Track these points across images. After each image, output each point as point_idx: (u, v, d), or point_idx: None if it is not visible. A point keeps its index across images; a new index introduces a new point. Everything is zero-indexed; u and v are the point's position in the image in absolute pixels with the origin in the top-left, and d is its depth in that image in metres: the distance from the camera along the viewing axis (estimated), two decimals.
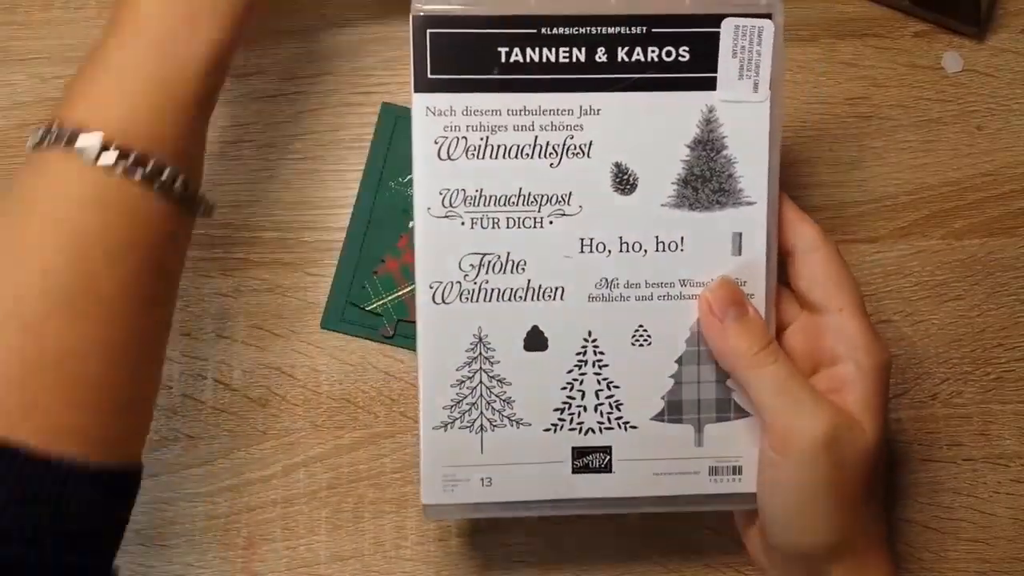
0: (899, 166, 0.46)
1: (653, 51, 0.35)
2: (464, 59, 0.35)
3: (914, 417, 0.44)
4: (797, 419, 0.33)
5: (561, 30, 0.35)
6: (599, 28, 0.35)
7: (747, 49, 0.35)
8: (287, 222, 0.45)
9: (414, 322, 0.43)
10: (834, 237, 0.45)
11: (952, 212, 0.46)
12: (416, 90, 0.35)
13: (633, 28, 0.35)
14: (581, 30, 0.35)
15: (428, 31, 0.34)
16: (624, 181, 0.35)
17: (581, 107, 0.35)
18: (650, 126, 0.35)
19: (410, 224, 0.45)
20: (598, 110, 0.35)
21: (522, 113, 0.35)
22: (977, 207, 0.46)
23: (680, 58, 0.35)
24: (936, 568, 0.43)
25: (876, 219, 0.46)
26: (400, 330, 0.44)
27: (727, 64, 0.35)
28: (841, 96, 0.46)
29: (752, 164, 0.35)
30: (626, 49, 0.35)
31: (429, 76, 0.35)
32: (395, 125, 0.46)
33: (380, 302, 0.44)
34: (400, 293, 0.44)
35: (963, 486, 0.44)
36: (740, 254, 0.36)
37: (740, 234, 0.36)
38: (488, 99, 0.35)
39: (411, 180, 0.45)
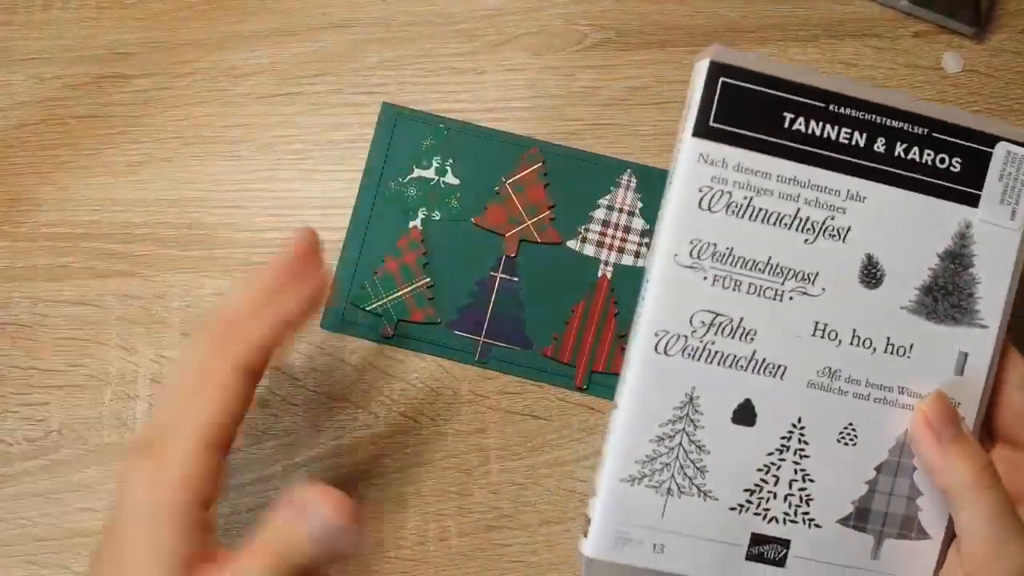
0: None
1: (928, 154, 0.35)
2: (749, 115, 0.34)
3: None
4: (1005, 549, 0.33)
5: (849, 111, 0.35)
6: (884, 119, 0.35)
7: (1013, 176, 0.35)
8: (288, 222, 0.45)
9: (415, 323, 0.44)
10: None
11: None
12: (693, 134, 0.34)
13: (916, 128, 0.35)
14: (867, 116, 0.35)
15: (721, 79, 0.34)
16: (872, 274, 0.35)
17: (849, 191, 0.35)
18: (908, 226, 0.35)
19: (411, 224, 0.45)
20: (864, 197, 0.35)
21: (791, 183, 0.35)
22: None
23: (952, 168, 0.35)
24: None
25: None
26: (400, 330, 0.44)
27: (992, 185, 0.35)
28: None
29: (993, 288, 0.35)
30: (904, 145, 0.35)
31: (711, 123, 0.34)
32: (395, 125, 0.46)
33: (380, 302, 0.44)
34: (400, 293, 0.44)
35: None
36: (962, 375, 0.35)
37: (966, 354, 0.35)
38: (762, 160, 0.34)
39: (411, 180, 0.45)
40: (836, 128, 0.34)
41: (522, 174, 0.45)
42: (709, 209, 0.34)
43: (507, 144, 0.46)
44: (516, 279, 0.45)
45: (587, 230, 0.45)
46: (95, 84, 0.47)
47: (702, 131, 0.34)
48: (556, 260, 0.45)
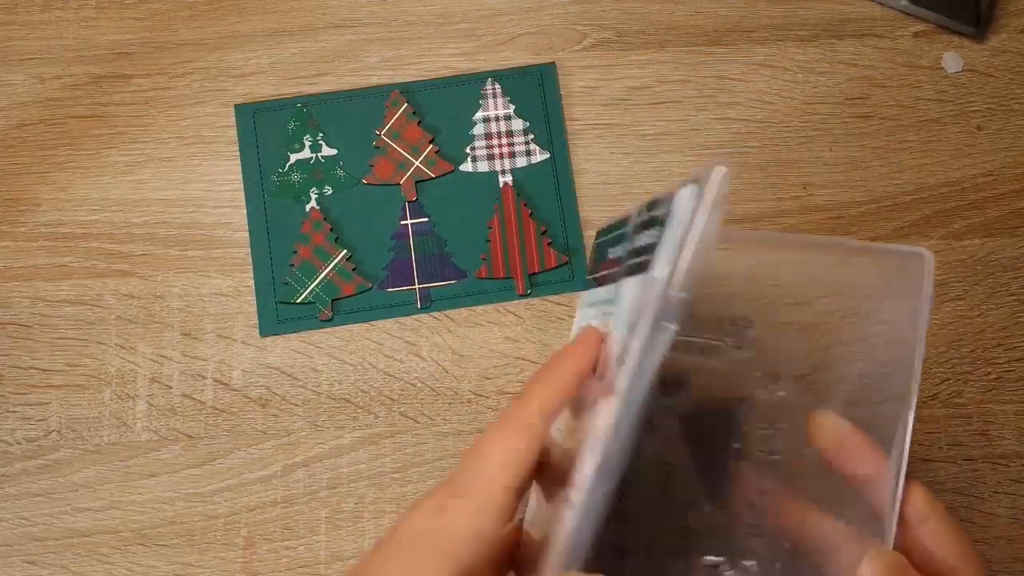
0: (899, 166, 0.46)
1: None
2: None
3: (914, 417, 0.44)
4: None
5: None
6: None
7: None
8: None
9: (349, 296, 0.44)
10: (835, 237, 0.45)
11: (952, 212, 0.46)
12: None
13: None
14: None
15: None
16: None
17: None
18: None
19: (308, 207, 0.45)
20: None
21: None
22: (977, 207, 0.46)
23: None
24: None
25: (876, 219, 0.46)
26: (338, 308, 0.44)
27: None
28: (841, 96, 0.46)
29: None
30: None
31: None
32: (254, 120, 0.46)
33: (307, 291, 0.45)
34: (323, 275, 0.45)
35: (963, 486, 0.44)
36: None
37: None
38: None
39: (291, 166, 0.45)
40: None
41: (392, 120, 0.46)
42: None
43: (367, 98, 0.46)
44: (426, 219, 0.45)
45: (473, 148, 0.46)
46: (95, 84, 0.47)
47: None
48: (456, 186, 0.45)
